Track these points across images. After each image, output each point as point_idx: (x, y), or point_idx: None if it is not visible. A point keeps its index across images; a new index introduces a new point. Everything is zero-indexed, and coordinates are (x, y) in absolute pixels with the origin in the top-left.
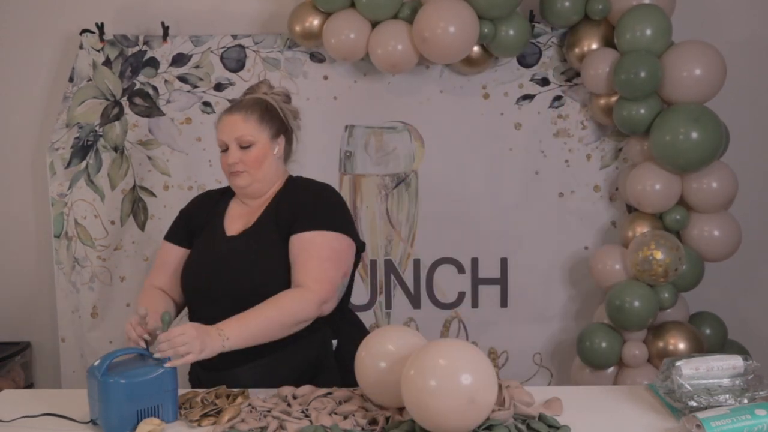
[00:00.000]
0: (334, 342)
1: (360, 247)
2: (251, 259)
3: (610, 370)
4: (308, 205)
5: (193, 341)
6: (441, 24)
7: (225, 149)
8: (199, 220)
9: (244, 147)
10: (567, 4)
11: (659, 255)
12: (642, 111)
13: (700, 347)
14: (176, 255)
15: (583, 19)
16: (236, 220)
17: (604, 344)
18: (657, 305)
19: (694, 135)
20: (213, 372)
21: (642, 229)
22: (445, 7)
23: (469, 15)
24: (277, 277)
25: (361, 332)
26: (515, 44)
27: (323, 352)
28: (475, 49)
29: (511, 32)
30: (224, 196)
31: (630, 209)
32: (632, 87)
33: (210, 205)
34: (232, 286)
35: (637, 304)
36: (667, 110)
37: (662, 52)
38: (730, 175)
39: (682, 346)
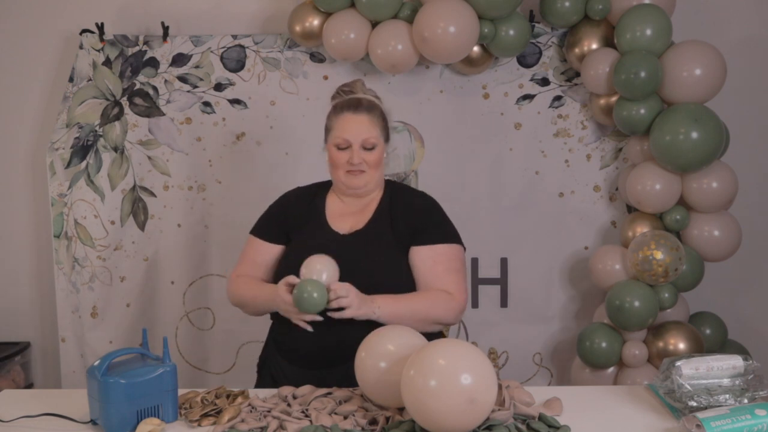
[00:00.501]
0: None
1: None
2: (368, 258)
3: (610, 370)
4: (430, 216)
5: (353, 297)
6: (441, 24)
7: (345, 147)
8: (297, 217)
9: (368, 148)
10: (567, 4)
11: (659, 255)
12: (642, 111)
13: (699, 347)
14: (269, 252)
15: (583, 19)
16: (341, 219)
17: (604, 344)
18: (657, 305)
19: (694, 135)
20: (305, 369)
21: (642, 229)
22: (445, 7)
23: (469, 15)
24: (393, 278)
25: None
26: (515, 44)
27: None
28: (475, 49)
29: (512, 32)
30: (318, 191)
31: (630, 209)
32: (632, 87)
33: (306, 202)
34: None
35: (637, 304)
36: (667, 110)
37: (662, 52)
38: (731, 174)
39: (682, 346)
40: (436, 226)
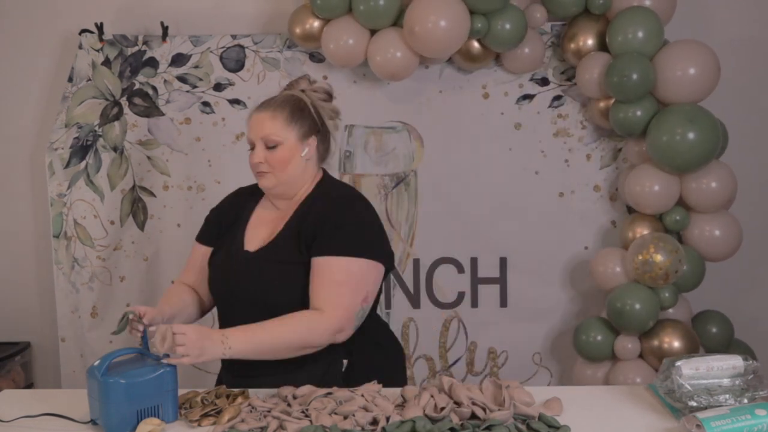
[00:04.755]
0: (345, 362)
1: (387, 263)
2: (263, 278)
3: (605, 363)
4: (327, 224)
5: (192, 345)
6: (432, 17)
7: (252, 147)
8: (229, 220)
9: (270, 147)
10: None
11: (659, 258)
12: (638, 113)
13: (694, 345)
14: (204, 255)
15: (583, 12)
16: (259, 228)
17: (599, 337)
18: (658, 308)
19: (691, 135)
20: (235, 378)
21: (642, 230)
22: (436, 1)
23: (460, 9)
24: (293, 297)
25: (381, 350)
26: (512, 38)
27: (331, 372)
28: (475, 44)
29: (507, 26)
30: (253, 195)
31: (630, 210)
32: (625, 89)
33: (239, 206)
34: (251, 301)
35: (638, 306)
36: (662, 111)
37: (654, 54)
38: (729, 174)
39: (676, 344)
40: (329, 237)
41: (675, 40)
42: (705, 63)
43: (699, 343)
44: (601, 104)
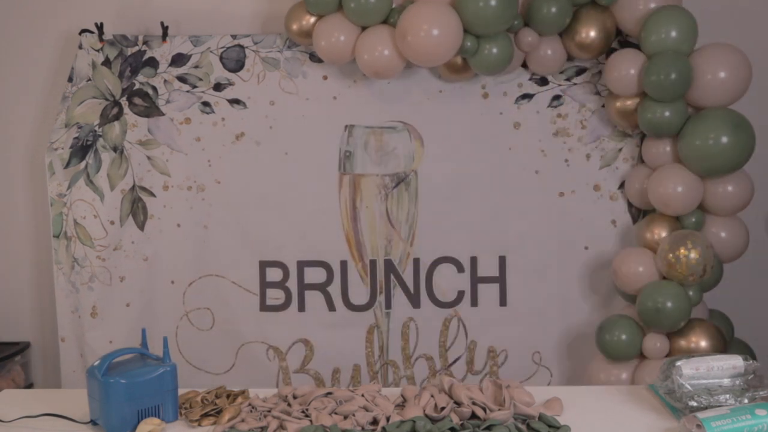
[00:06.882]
0: None
1: None
2: None
3: (630, 362)
4: None
5: None
6: (425, 26)
7: None
8: None
9: None
10: None
11: (695, 254)
12: (666, 113)
13: (721, 344)
14: None
15: (588, 3)
16: None
17: (624, 336)
18: (689, 305)
19: (728, 140)
20: None
21: (660, 230)
22: (431, 10)
23: (454, 21)
24: None
25: None
26: (496, 64)
27: None
28: (459, 59)
29: (495, 50)
30: None
31: (639, 211)
32: (662, 89)
33: None
34: None
35: (670, 304)
36: (700, 114)
37: (689, 54)
38: (746, 179)
39: (703, 343)
40: None
41: (702, 43)
42: (736, 67)
43: (725, 343)
44: (618, 103)
